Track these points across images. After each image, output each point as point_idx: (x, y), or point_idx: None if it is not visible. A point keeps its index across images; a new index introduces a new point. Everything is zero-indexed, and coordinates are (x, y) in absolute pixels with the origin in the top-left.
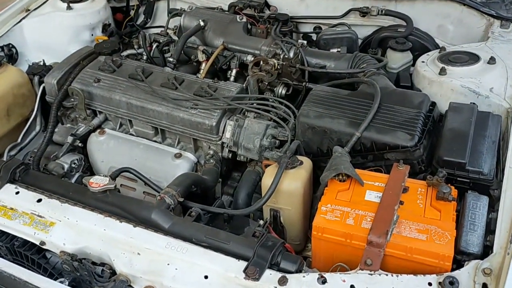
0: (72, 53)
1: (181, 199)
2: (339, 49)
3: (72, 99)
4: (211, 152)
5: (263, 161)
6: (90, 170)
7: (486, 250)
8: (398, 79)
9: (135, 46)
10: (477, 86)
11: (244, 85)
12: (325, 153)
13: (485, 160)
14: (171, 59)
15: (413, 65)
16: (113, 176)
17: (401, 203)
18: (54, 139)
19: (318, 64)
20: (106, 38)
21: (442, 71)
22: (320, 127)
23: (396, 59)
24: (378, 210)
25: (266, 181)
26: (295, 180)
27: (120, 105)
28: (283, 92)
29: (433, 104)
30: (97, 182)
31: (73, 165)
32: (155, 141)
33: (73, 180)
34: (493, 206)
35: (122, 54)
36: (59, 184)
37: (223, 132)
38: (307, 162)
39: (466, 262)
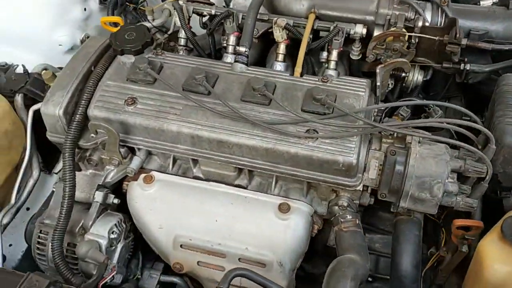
0: (76, 53)
1: None
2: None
3: (92, 135)
4: (344, 202)
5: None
6: (134, 229)
7: None
8: None
9: (149, 17)
10: None
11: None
12: None
13: None
14: (242, 49)
15: None
16: None
17: None
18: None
19: (475, 30)
20: (117, 18)
21: None
22: None
23: None
24: None
25: (501, 269)
26: None
27: (180, 140)
28: (420, 78)
29: None
30: None
31: (112, 236)
32: (239, 186)
33: (115, 258)
34: None
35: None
36: None
37: (363, 171)
38: None
39: None
